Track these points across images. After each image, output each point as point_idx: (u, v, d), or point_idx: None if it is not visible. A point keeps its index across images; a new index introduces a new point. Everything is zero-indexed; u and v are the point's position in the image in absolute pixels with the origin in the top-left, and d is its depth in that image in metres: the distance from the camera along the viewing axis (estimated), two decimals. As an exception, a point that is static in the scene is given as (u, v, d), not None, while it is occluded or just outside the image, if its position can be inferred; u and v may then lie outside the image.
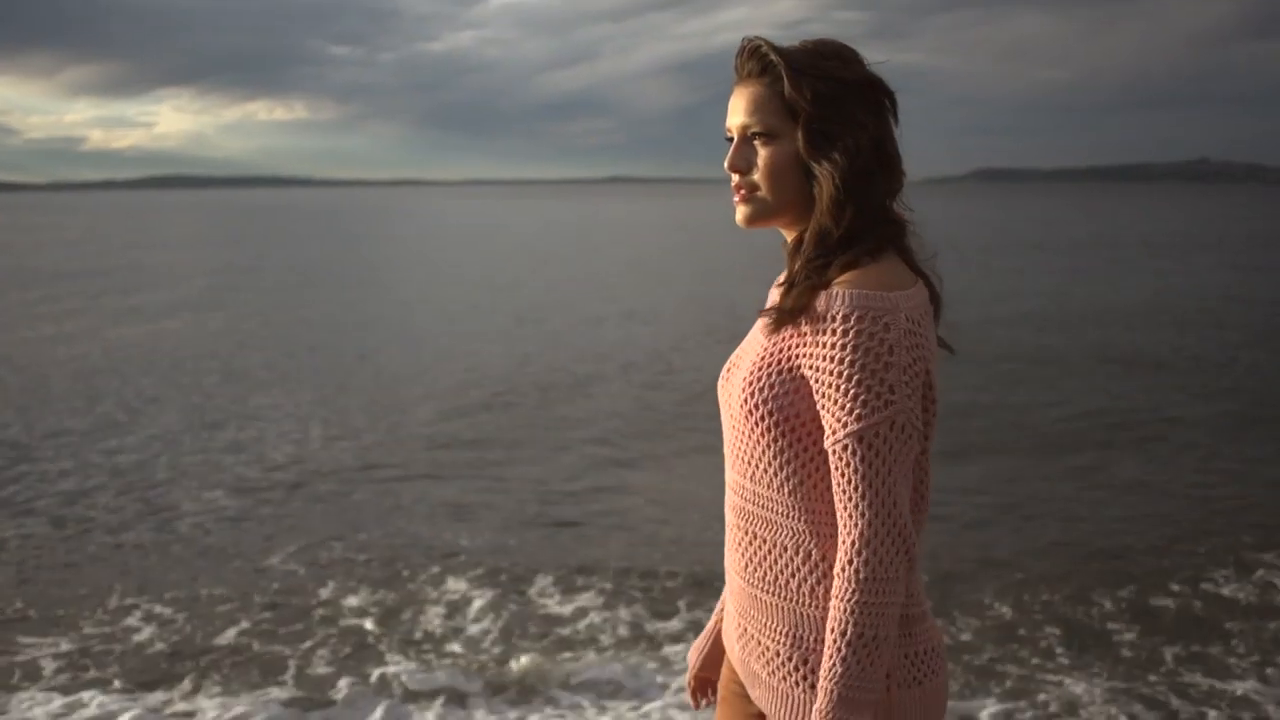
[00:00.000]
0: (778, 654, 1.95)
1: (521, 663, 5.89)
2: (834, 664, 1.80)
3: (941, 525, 7.71)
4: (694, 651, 2.36)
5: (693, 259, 39.18)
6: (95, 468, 9.99)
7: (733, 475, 2.02)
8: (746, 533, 1.99)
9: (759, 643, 1.99)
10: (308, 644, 6.17)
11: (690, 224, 72.19)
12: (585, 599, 6.86)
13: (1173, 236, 49.59)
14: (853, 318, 1.79)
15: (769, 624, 1.97)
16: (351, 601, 6.82)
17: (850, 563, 1.79)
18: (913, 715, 1.90)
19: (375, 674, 5.75)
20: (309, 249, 46.45)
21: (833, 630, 1.81)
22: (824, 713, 1.81)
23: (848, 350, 1.79)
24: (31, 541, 7.96)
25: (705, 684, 2.35)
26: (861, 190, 1.87)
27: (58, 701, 5.43)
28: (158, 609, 6.67)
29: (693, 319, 20.83)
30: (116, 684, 5.67)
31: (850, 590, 1.79)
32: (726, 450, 2.03)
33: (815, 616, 1.91)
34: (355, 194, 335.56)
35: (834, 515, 1.87)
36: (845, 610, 1.80)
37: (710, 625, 2.35)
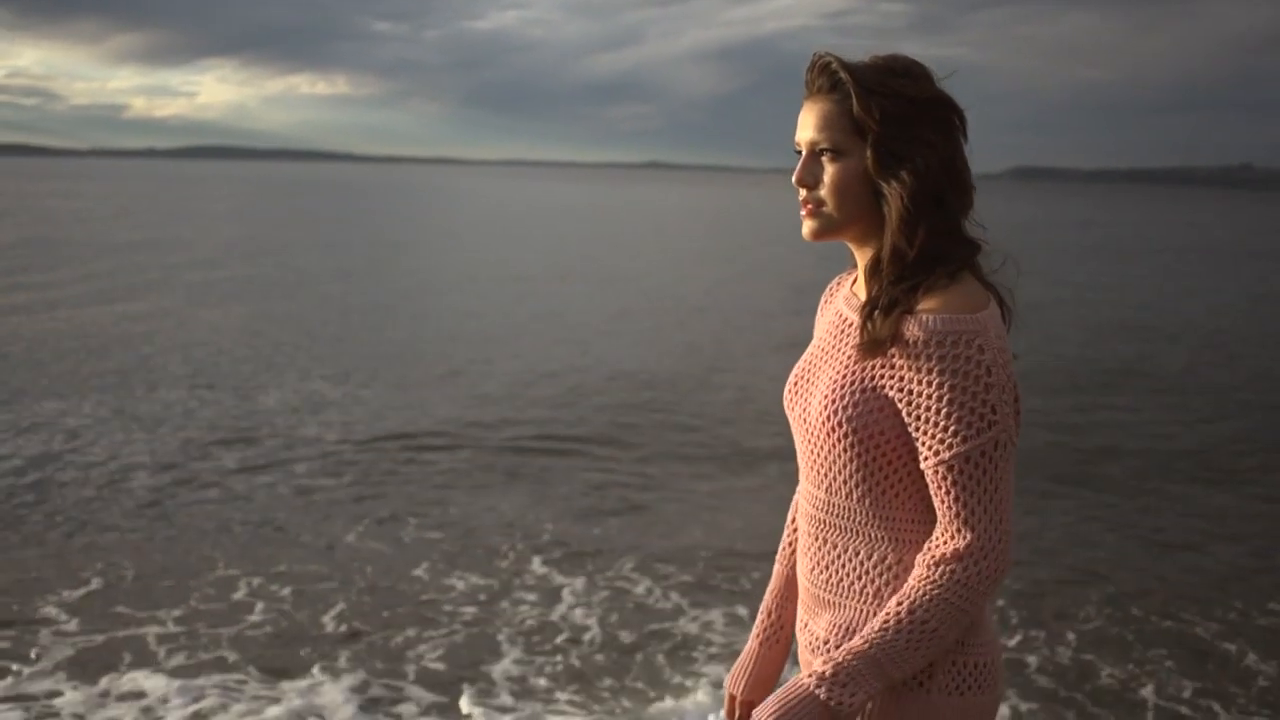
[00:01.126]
0: (827, 642, 2.00)
1: (638, 660, 5.84)
2: (886, 629, 1.84)
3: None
4: (737, 676, 2.32)
5: (749, 250, 39.03)
6: (165, 440, 10.03)
7: (808, 487, 2.05)
8: (817, 539, 2.03)
9: (814, 634, 2.04)
10: (420, 632, 6.13)
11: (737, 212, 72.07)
12: (674, 589, 6.84)
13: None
14: (947, 342, 1.82)
15: (825, 617, 2.02)
16: (449, 584, 6.81)
17: (946, 565, 1.83)
18: None
19: (497, 669, 5.71)
20: (384, 225, 46.71)
21: (899, 604, 1.85)
22: (845, 660, 1.85)
23: (945, 375, 1.82)
24: (118, 512, 7.98)
25: (750, 708, 2.31)
26: (931, 210, 1.88)
27: (176, 684, 5.40)
28: (258, 583, 6.68)
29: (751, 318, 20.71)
30: (251, 670, 5.61)
31: (937, 586, 1.83)
32: (801, 463, 2.06)
33: (869, 611, 1.95)
34: (396, 170, 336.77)
35: (912, 523, 1.93)
36: (923, 597, 1.83)
37: (751, 646, 2.32)
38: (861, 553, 1.96)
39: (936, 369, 1.82)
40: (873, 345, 1.90)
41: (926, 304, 1.86)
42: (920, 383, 1.84)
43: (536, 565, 7.21)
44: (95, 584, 6.61)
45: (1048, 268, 29.60)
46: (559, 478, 9.29)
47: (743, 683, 2.31)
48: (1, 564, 6.91)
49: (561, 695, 5.47)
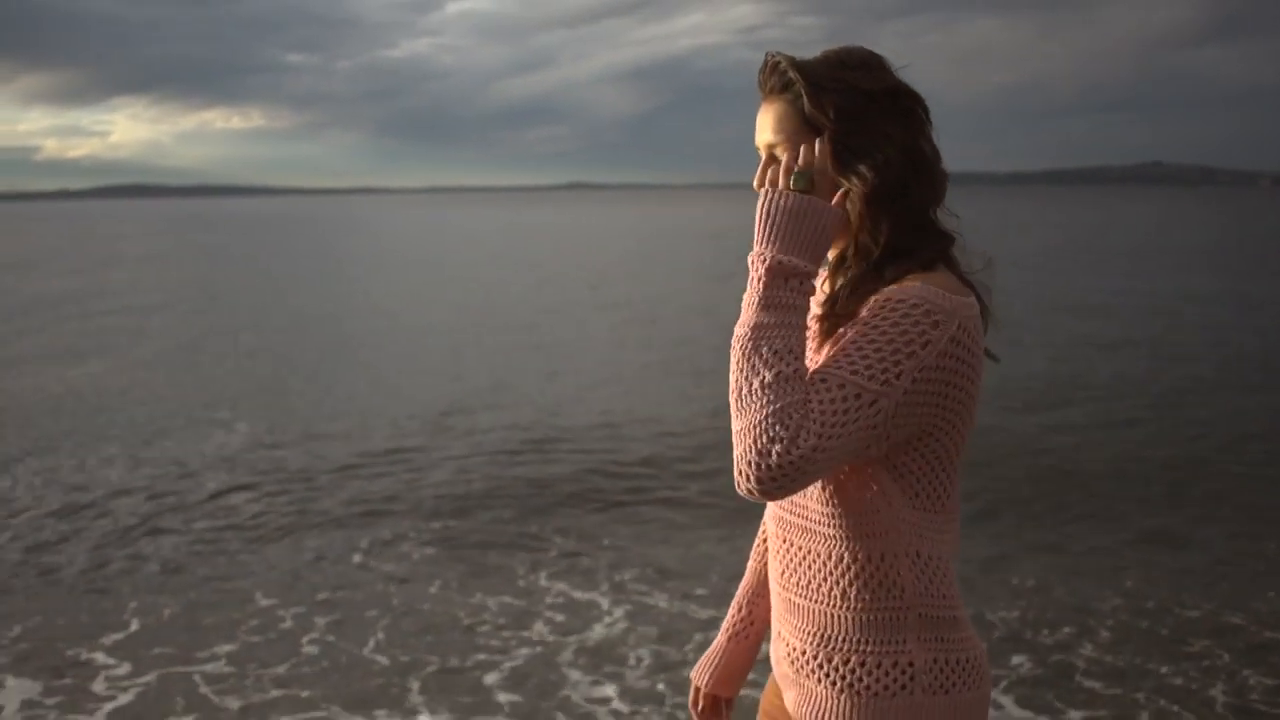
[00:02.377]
0: (804, 652, 1.96)
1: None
2: (755, 326, 1.79)
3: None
4: (703, 669, 2.34)
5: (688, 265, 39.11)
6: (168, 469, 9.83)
7: None
8: (784, 540, 2.00)
9: (789, 644, 2.00)
10: (473, 658, 6.04)
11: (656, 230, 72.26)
12: (693, 601, 6.80)
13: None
14: (905, 305, 1.77)
15: (799, 625, 1.98)
16: (465, 600, 6.77)
17: (773, 428, 1.71)
18: None
19: (570, 696, 5.63)
20: (278, 260, 46.06)
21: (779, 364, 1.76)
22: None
23: (884, 323, 1.76)
24: (140, 553, 7.80)
25: (718, 702, 2.36)
26: (895, 204, 1.85)
27: None
28: (301, 613, 6.54)
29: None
30: (333, 708, 5.48)
31: (762, 426, 1.72)
32: None
33: (844, 618, 1.91)
34: (314, 202, 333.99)
35: (866, 520, 1.87)
36: (765, 398, 1.73)
37: (720, 641, 2.33)
38: (823, 554, 1.92)
39: (884, 316, 1.77)
40: (833, 323, 1.88)
41: (893, 287, 1.82)
42: (865, 319, 1.79)
43: (543, 577, 7.19)
44: (135, 625, 6.45)
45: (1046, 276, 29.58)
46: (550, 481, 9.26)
47: (708, 675, 2.33)
48: (36, 610, 6.72)
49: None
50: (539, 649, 6.12)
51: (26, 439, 11.54)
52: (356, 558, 7.73)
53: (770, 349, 1.77)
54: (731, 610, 2.32)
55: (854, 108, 1.84)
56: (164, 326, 21.42)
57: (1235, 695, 5.51)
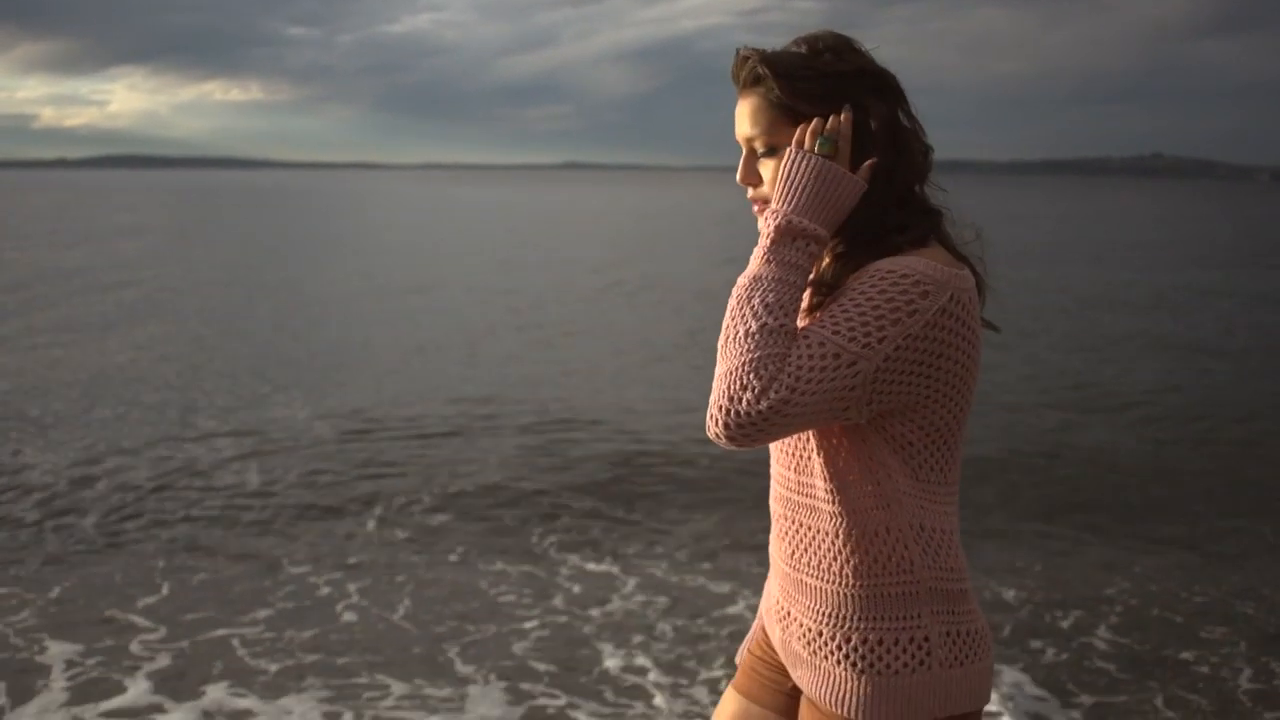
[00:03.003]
0: (820, 634, 1.98)
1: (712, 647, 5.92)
2: (758, 281, 1.84)
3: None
4: (747, 649, 2.37)
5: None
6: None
7: (777, 469, 2.05)
8: (792, 521, 2.01)
9: (801, 624, 2.02)
10: (506, 626, 6.16)
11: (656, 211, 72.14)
12: (701, 574, 6.90)
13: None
14: (897, 274, 1.79)
15: (812, 605, 1.99)
16: (488, 568, 6.86)
17: (753, 376, 1.76)
18: (955, 696, 1.92)
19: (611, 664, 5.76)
20: (271, 234, 45.96)
21: (767, 305, 1.80)
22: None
23: (876, 291, 1.78)
24: (164, 517, 7.94)
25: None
26: (880, 180, 1.88)
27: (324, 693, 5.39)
28: (335, 579, 6.67)
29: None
30: (379, 677, 5.62)
31: (742, 374, 1.76)
32: (771, 449, 2.05)
33: (857, 596, 1.92)
34: (311, 176, 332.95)
35: (867, 496, 1.90)
36: (750, 345, 1.77)
37: (759, 623, 2.36)
38: (831, 533, 1.94)
39: (873, 283, 1.80)
40: (822, 295, 1.91)
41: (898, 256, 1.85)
42: (854, 286, 1.82)
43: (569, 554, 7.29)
44: (165, 590, 6.58)
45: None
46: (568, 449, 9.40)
47: (745, 650, 2.37)
48: (70, 574, 6.84)
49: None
50: (563, 619, 6.25)
51: (53, 408, 11.63)
52: (371, 525, 7.89)
53: (762, 301, 1.80)
54: (766, 590, 2.33)
55: (826, 92, 1.86)
56: (188, 303, 21.40)
57: (1257, 681, 5.63)
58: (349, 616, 6.23)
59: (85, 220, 54.97)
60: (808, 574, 1.98)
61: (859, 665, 1.92)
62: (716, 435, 1.79)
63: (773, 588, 2.15)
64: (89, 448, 9.90)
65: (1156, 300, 22.86)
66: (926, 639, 1.90)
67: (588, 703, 5.28)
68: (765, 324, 1.77)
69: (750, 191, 1.97)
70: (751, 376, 1.74)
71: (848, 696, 1.92)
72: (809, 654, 2.00)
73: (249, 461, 9.53)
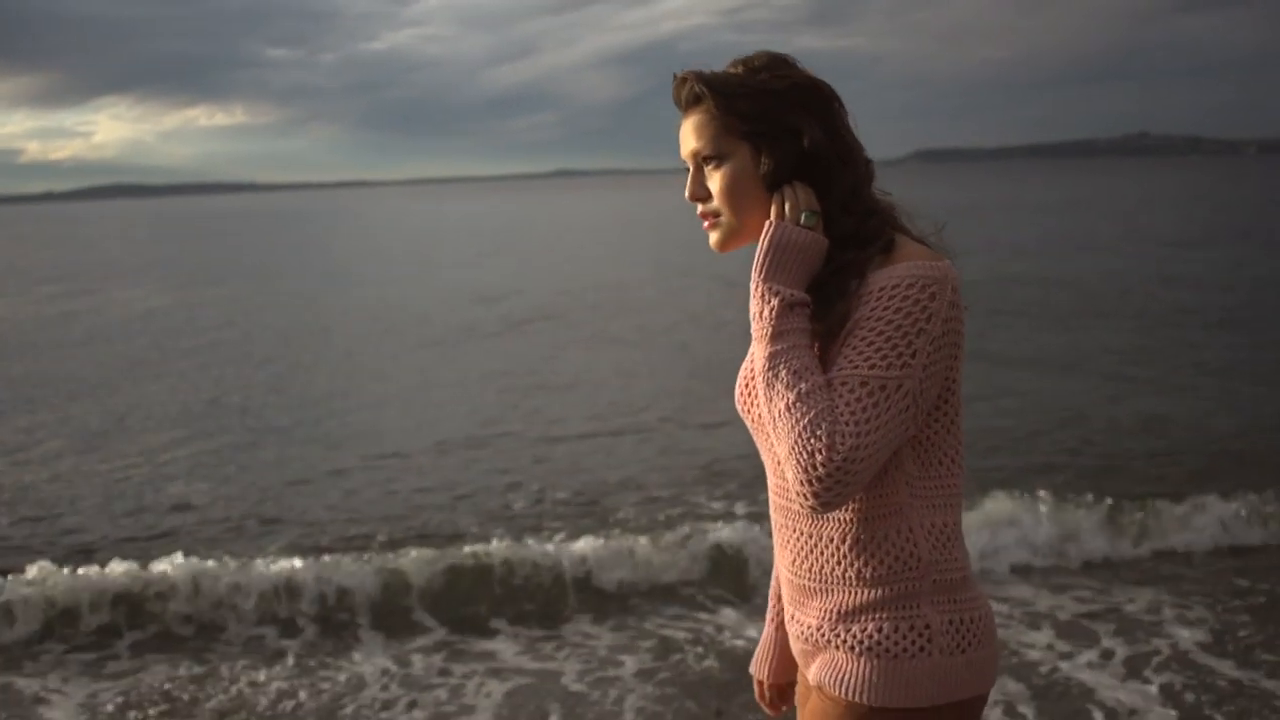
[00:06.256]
0: (821, 629, 2.01)
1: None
2: (784, 352, 1.87)
3: None
4: (760, 663, 2.39)
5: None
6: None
7: (776, 481, 2.07)
8: (794, 530, 2.04)
9: (804, 625, 2.05)
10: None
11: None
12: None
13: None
14: (904, 285, 1.84)
15: (811, 603, 2.03)
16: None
17: (818, 448, 1.77)
18: (958, 683, 1.94)
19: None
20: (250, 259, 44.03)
21: (803, 386, 1.82)
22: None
23: (889, 311, 1.83)
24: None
25: (781, 689, 2.39)
26: (828, 189, 1.93)
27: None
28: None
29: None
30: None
31: (803, 419, 1.79)
32: (766, 460, 2.08)
33: (862, 594, 1.96)
34: (299, 197, 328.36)
35: (883, 499, 1.93)
36: (804, 422, 1.79)
37: (768, 632, 2.38)
38: (835, 538, 1.96)
39: (884, 304, 1.83)
40: (831, 329, 1.91)
41: (886, 268, 1.89)
42: (864, 315, 1.85)
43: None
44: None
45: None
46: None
47: (765, 667, 2.37)
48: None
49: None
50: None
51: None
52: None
53: (788, 371, 1.84)
54: (771, 600, 2.36)
55: (764, 107, 1.91)
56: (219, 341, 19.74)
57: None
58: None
59: (93, 258, 50.16)
60: (809, 579, 2.02)
61: (859, 649, 1.95)
62: (814, 507, 1.82)
63: (784, 603, 2.16)
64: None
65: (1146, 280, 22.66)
66: (928, 627, 1.93)
67: None
68: (799, 390, 1.81)
69: (700, 207, 2.01)
70: (812, 440, 1.77)
71: (850, 679, 1.95)
72: (812, 646, 2.04)
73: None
